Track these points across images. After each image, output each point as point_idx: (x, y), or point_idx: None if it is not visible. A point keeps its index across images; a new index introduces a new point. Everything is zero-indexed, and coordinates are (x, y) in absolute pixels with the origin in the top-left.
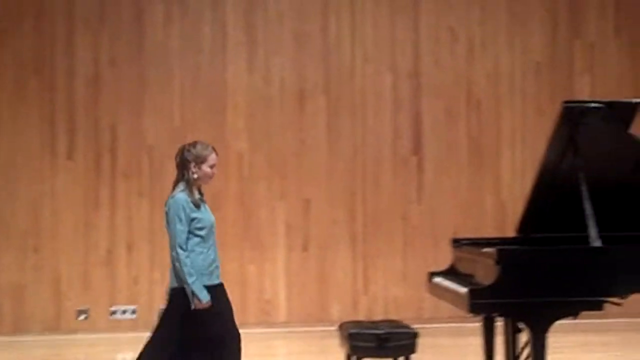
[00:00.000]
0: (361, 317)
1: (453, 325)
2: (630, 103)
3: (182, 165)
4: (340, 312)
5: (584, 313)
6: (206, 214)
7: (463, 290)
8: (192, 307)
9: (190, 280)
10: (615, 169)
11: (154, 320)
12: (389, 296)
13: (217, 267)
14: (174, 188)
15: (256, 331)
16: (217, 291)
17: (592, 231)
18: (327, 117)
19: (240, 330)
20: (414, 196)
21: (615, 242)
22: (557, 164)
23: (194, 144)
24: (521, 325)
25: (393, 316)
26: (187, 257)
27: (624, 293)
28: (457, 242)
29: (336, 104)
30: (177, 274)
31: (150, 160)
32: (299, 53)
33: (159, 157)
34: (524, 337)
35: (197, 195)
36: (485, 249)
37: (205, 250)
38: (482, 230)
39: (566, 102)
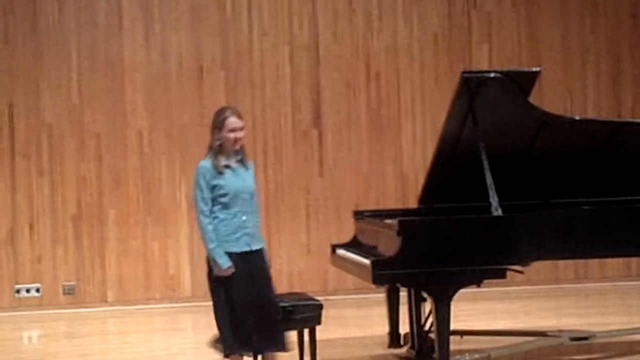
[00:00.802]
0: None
1: (358, 297)
2: (529, 72)
3: (210, 131)
4: None
5: (488, 281)
6: (232, 180)
7: (366, 261)
8: (215, 273)
9: (210, 246)
10: (515, 138)
11: (59, 297)
12: (293, 270)
13: (246, 234)
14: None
15: (161, 306)
16: (244, 258)
17: (493, 200)
18: (226, 92)
19: (146, 306)
20: (315, 169)
21: (516, 211)
22: (457, 134)
23: (218, 110)
24: (425, 294)
25: (298, 289)
26: (209, 223)
27: (525, 261)
28: (359, 214)
29: (235, 79)
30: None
31: (49, 138)
32: (196, 28)
33: (59, 135)
34: (428, 306)
35: (222, 162)
36: (387, 220)
37: (228, 217)
38: (385, 201)
39: (464, 72)
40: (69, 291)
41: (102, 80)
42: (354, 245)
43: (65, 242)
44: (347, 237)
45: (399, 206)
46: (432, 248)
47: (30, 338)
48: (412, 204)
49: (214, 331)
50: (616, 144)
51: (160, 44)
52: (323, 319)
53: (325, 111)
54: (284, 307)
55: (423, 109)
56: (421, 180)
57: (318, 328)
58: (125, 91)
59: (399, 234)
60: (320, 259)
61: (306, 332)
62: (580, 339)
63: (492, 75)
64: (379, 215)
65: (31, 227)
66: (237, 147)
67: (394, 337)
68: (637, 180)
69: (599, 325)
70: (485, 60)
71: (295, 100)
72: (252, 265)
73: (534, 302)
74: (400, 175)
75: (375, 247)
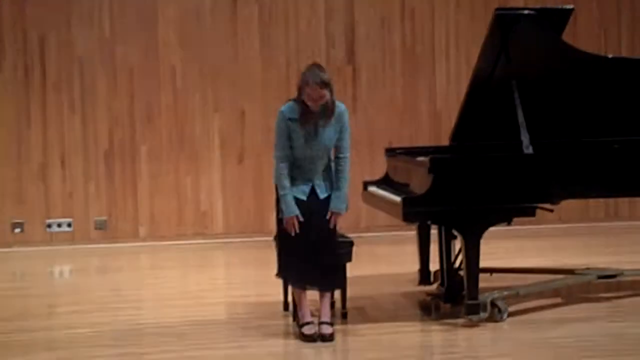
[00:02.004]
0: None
1: (389, 234)
2: (562, 10)
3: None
4: None
5: (518, 219)
6: (302, 132)
7: (397, 198)
8: (281, 216)
9: (281, 192)
10: (548, 76)
11: (91, 232)
12: None
13: (305, 184)
14: None
15: (193, 242)
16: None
17: (524, 138)
18: (259, 27)
19: (178, 242)
20: (349, 105)
21: (548, 149)
22: (489, 72)
23: (311, 67)
24: (455, 232)
25: None
26: (283, 169)
27: (555, 199)
28: (391, 152)
29: (269, 13)
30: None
31: (81, 73)
32: None
33: (90, 70)
34: (458, 244)
35: (298, 113)
36: (419, 158)
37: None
38: (418, 139)
39: (498, 9)
40: (101, 226)
41: (134, 14)
42: (385, 182)
43: (96, 178)
44: (379, 174)
45: (432, 144)
46: (463, 186)
47: (62, 272)
48: (445, 141)
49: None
50: None
51: None
52: (354, 256)
53: (359, 48)
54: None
55: (457, 47)
56: (454, 118)
57: (349, 265)
58: (158, 26)
59: (430, 171)
60: (352, 196)
61: None
62: (608, 277)
63: (525, 12)
64: (411, 152)
65: (62, 162)
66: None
67: (424, 275)
68: None
69: (627, 264)
70: None
71: (329, 37)
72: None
73: (564, 240)
74: (434, 113)
75: (406, 185)
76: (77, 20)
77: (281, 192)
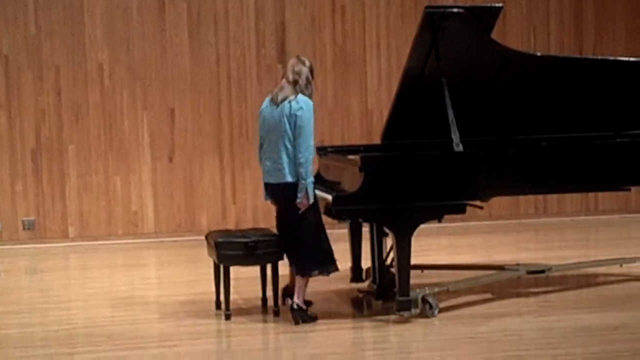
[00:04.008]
0: (231, 226)
1: None
2: (491, 8)
3: (304, 78)
4: (209, 221)
5: (449, 216)
6: None
7: (328, 197)
8: (301, 200)
9: (310, 179)
10: (477, 74)
11: (19, 233)
12: (257, 205)
13: None
14: (283, 94)
15: (123, 241)
16: None
17: (454, 136)
18: (188, 25)
19: (108, 242)
20: None
21: (477, 147)
22: (420, 70)
23: (307, 60)
24: (386, 229)
25: (262, 225)
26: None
27: (485, 196)
28: (322, 150)
29: (198, 12)
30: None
31: (6, 70)
32: None
33: (16, 67)
34: (390, 241)
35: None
36: (350, 156)
37: None
38: (350, 137)
39: (428, 7)
40: (29, 226)
41: (60, 11)
42: (317, 180)
43: (24, 177)
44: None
45: (364, 142)
46: (394, 184)
47: None
48: (377, 140)
49: (177, 266)
50: (576, 81)
51: None
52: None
53: (289, 46)
54: (245, 243)
55: (388, 45)
56: (385, 116)
57: (280, 263)
58: (85, 23)
59: (361, 169)
60: None
61: (269, 267)
62: (538, 272)
63: (454, 10)
64: (342, 151)
65: None
66: None
67: (356, 272)
68: (596, 116)
69: (556, 259)
70: None
71: (260, 35)
72: None
73: (494, 236)
74: (365, 111)
75: (338, 183)
76: (2, 17)
77: (311, 180)
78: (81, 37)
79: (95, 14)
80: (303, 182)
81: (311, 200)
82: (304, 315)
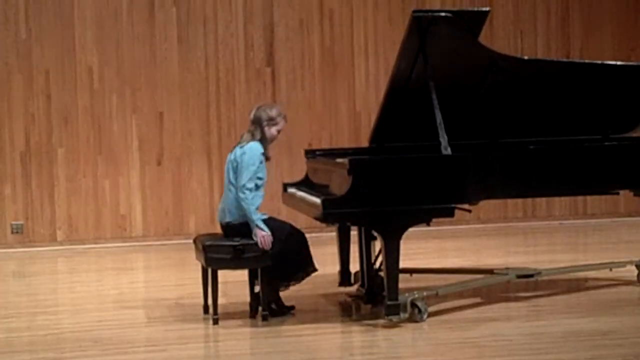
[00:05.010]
0: (219, 229)
1: (309, 236)
2: (479, 12)
3: (257, 122)
4: (197, 225)
5: (437, 220)
6: (265, 169)
7: (316, 200)
8: (256, 239)
9: (255, 217)
10: (465, 77)
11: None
12: None
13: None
14: (242, 139)
15: (112, 245)
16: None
17: (442, 140)
18: (178, 29)
19: (96, 245)
20: None
21: (465, 150)
22: (407, 73)
23: (270, 106)
24: (375, 233)
25: None
26: (253, 197)
27: (473, 199)
28: (310, 153)
29: (187, 15)
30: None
31: None
32: None
33: (6, 71)
34: (378, 245)
35: (266, 152)
36: (338, 159)
37: (257, 195)
38: (338, 140)
39: (416, 10)
40: (17, 230)
41: (50, 15)
42: (305, 184)
43: (13, 180)
44: (299, 176)
45: (352, 145)
46: (382, 187)
47: None
48: (365, 143)
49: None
50: (563, 84)
51: None
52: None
53: (278, 49)
54: (234, 246)
55: (376, 48)
56: (374, 119)
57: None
58: (75, 27)
59: (349, 172)
60: (272, 198)
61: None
62: (527, 276)
63: (442, 14)
64: (330, 154)
65: None
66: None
67: (345, 276)
68: (584, 120)
69: (545, 263)
70: (438, 0)
71: (248, 38)
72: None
73: (483, 240)
74: (353, 114)
75: (326, 186)
76: None
77: (257, 217)
78: (71, 41)
79: (85, 17)
80: (250, 222)
81: (268, 232)
82: (273, 312)
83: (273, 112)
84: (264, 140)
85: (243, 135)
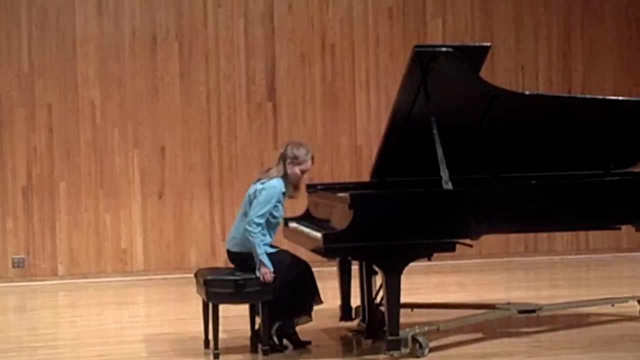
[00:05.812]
0: (220, 263)
1: None
2: (480, 47)
3: (282, 158)
4: (198, 259)
5: (438, 255)
6: (282, 209)
7: (317, 234)
8: (259, 274)
9: (259, 251)
10: (466, 112)
11: (8, 271)
12: None
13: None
14: (267, 172)
15: (113, 279)
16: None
17: (444, 174)
18: (180, 63)
19: (97, 280)
20: (270, 142)
21: (467, 185)
22: (409, 108)
23: (298, 145)
24: (376, 267)
25: None
26: (262, 233)
27: (475, 234)
28: (311, 187)
29: (189, 50)
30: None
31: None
32: None
33: (8, 105)
34: (379, 280)
35: (288, 191)
36: (339, 194)
37: (266, 233)
38: (339, 175)
39: (417, 46)
40: (19, 264)
41: (53, 50)
42: (306, 218)
43: (14, 214)
44: (300, 211)
45: (353, 179)
46: (383, 221)
47: None
48: (366, 177)
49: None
50: (565, 119)
51: (113, 14)
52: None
53: (279, 83)
54: (235, 281)
55: (377, 82)
56: (375, 153)
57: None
58: (78, 61)
59: (350, 207)
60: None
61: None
62: (529, 311)
63: (443, 49)
64: (332, 188)
65: None
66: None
67: (345, 310)
68: (585, 155)
69: (547, 298)
70: (439, 34)
71: (250, 73)
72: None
73: (485, 275)
74: (355, 149)
75: (327, 221)
76: None
77: (261, 251)
78: (74, 75)
79: (88, 52)
80: (255, 256)
81: (270, 269)
82: (273, 347)
83: (298, 152)
84: (286, 178)
85: (270, 169)
